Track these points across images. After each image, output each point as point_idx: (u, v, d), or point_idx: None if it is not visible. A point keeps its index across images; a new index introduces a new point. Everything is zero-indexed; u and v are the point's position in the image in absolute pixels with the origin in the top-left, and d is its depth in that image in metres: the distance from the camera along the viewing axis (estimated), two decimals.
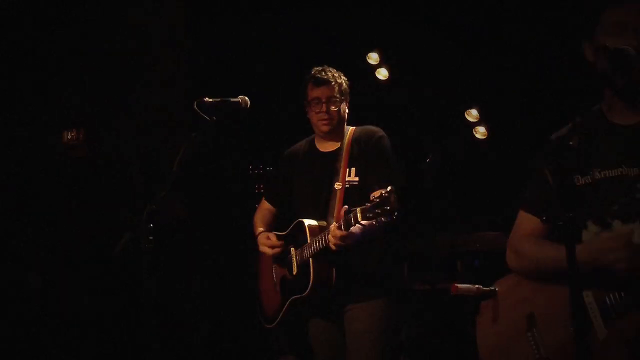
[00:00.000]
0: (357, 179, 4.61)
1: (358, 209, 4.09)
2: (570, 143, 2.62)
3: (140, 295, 4.03)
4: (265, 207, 5.12)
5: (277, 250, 4.82)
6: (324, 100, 4.71)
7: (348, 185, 4.59)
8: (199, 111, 4.11)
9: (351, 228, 4.20)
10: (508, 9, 6.42)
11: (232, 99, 4.29)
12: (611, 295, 2.93)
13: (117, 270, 6.28)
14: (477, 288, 3.49)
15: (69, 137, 6.81)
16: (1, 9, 6.66)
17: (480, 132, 7.14)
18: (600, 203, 3.02)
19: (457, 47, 6.75)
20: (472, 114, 7.14)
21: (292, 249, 4.72)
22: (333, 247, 4.30)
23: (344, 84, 4.79)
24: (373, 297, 4.52)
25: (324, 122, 4.72)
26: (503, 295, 3.37)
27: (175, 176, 4.03)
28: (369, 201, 4.07)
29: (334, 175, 4.66)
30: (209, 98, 4.18)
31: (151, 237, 3.87)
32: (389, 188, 4.01)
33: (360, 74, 7.31)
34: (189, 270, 6.62)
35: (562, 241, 2.75)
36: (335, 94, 4.72)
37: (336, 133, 4.77)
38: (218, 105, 4.18)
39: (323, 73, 4.76)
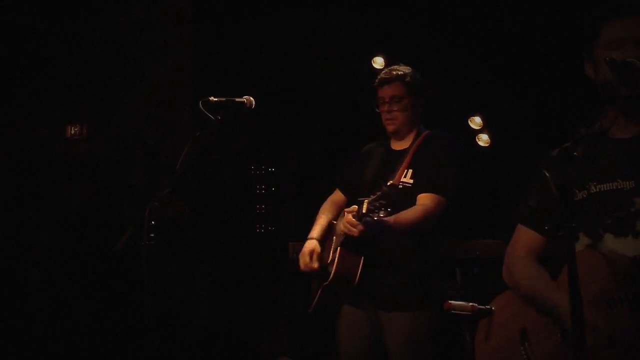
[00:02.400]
0: (411, 181, 4.54)
1: (365, 201, 4.11)
2: (575, 154, 2.63)
3: (139, 292, 4.04)
4: (334, 199, 5.03)
5: (307, 269, 4.73)
6: (387, 100, 4.68)
7: (401, 186, 4.49)
8: (204, 110, 4.12)
9: (362, 218, 4.20)
10: (513, 17, 6.42)
11: (237, 99, 4.31)
12: None
13: (117, 267, 6.29)
14: (472, 306, 3.48)
15: (73, 131, 6.82)
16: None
17: (483, 139, 7.14)
18: (594, 216, 3.03)
19: (462, 54, 6.75)
20: (476, 121, 7.13)
21: (334, 237, 4.70)
22: (342, 231, 4.32)
23: (413, 82, 4.73)
24: (413, 308, 4.47)
25: (388, 122, 4.69)
26: (499, 311, 3.38)
27: (179, 174, 4.04)
28: (374, 194, 4.09)
29: (392, 174, 4.59)
30: (215, 97, 4.20)
31: (152, 234, 3.89)
32: (389, 183, 4.03)
33: (365, 77, 7.34)
34: (189, 268, 6.62)
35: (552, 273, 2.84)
36: (398, 93, 4.67)
37: (405, 133, 4.73)
38: (223, 105, 4.20)
39: (389, 72, 4.74)
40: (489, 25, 6.54)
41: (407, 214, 4.34)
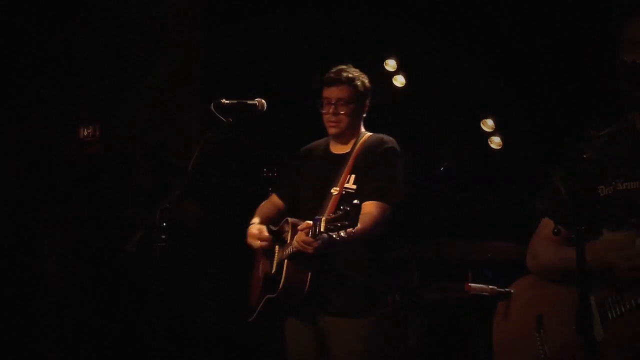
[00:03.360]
0: (354, 186, 4.47)
1: (323, 219, 3.99)
2: (585, 156, 2.63)
3: (149, 292, 4.05)
4: (271, 201, 4.96)
5: (264, 244, 4.67)
6: (333, 101, 4.57)
7: (344, 192, 4.45)
8: (215, 112, 4.13)
9: (317, 237, 4.09)
10: (526, 20, 6.41)
11: (249, 102, 4.31)
12: (610, 299, 2.97)
13: (128, 267, 6.30)
14: (492, 288, 3.54)
15: (85, 133, 6.83)
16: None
17: (496, 142, 7.13)
18: (619, 213, 3.04)
19: (475, 57, 6.74)
20: (488, 124, 7.12)
21: (277, 246, 4.61)
22: (296, 247, 4.22)
23: (361, 85, 4.62)
24: (359, 315, 4.39)
25: (331, 124, 4.59)
26: (517, 295, 3.43)
27: (190, 176, 4.05)
28: (334, 212, 4.00)
29: (335, 180, 4.54)
30: (226, 100, 4.20)
31: (164, 236, 3.89)
32: (354, 202, 3.90)
33: (378, 80, 7.34)
34: (199, 270, 6.63)
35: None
36: (345, 96, 4.56)
37: (347, 136, 4.64)
38: (235, 107, 4.20)
39: (337, 73, 4.61)
40: (501, 28, 6.53)
41: (357, 226, 4.09)
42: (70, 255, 6.69)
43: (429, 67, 7.13)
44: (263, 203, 4.98)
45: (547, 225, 3.34)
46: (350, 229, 3.88)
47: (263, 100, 4.36)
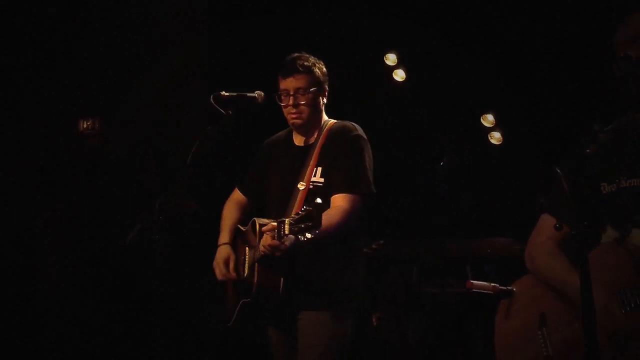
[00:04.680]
0: (322, 180, 4.31)
1: (287, 221, 3.82)
2: (587, 151, 2.61)
3: (150, 289, 4.03)
4: (236, 198, 4.77)
5: (224, 279, 4.53)
6: (291, 92, 4.35)
7: (312, 186, 4.30)
8: (214, 105, 4.10)
9: (282, 239, 3.92)
10: (527, 15, 6.40)
11: (248, 94, 4.28)
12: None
13: (128, 263, 6.28)
14: (493, 286, 3.52)
15: (85, 126, 6.81)
16: None
17: (496, 137, 7.11)
18: (623, 210, 3.04)
19: (475, 52, 6.73)
20: (488, 119, 7.11)
21: (247, 248, 4.45)
22: (261, 250, 4.06)
23: (318, 72, 4.41)
24: (326, 309, 4.26)
25: (293, 116, 4.38)
26: (520, 293, 3.43)
27: (188, 170, 4.02)
28: (297, 214, 3.82)
29: (300, 174, 4.37)
30: (226, 92, 4.17)
31: (161, 229, 3.87)
32: (317, 201, 3.74)
33: (378, 74, 7.33)
34: (197, 264, 6.61)
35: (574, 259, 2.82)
36: (304, 85, 4.36)
37: (309, 127, 4.44)
38: (234, 100, 4.17)
39: (292, 62, 4.40)
40: (503, 24, 6.51)
41: (326, 222, 3.86)
42: (70, 251, 6.66)
43: (429, 62, 7.12)
44: (227, 204, 4.78)
45: (546, 222, 3.34)
46: (315, 230, 3.73)
47: (262, 93, 4.32)
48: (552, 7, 6.24)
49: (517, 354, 3.34)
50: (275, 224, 3.94)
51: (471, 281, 3.60)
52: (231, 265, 4.50)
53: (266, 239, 4.01)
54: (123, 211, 6.58)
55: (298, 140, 4.55)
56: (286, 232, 3.83)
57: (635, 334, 2.84)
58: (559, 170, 2.83)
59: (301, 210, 3.79)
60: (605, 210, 3.08)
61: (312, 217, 3.72)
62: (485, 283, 3.57)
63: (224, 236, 4.65)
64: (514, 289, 3.44)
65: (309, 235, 3.74)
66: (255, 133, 5.09)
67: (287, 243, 3.97)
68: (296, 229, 3.77)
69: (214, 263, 4.57)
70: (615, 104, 2.98)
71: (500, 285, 3.52)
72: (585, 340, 2.52)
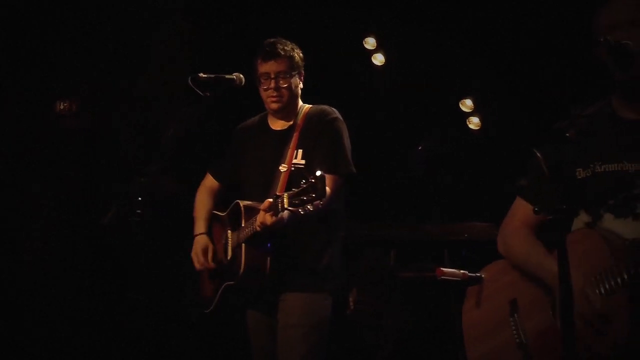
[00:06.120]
0: (303, 161, 4.37)
1: (285, 195, 3.89)
2: (567, 135, 2.62)
3: (126, 268, 4.03)
4: (209, 185, 4.82)
5: (204, 269, 4.59)
6: (272, 75, 4.41)
7: (294, 169, 4.35)
8: (193, 87, 4.09)
9: (280, 214, 3.99)
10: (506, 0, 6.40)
11: (227, 76, 4.28)
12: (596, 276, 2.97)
13: (105, 242, 6.26)
14: (463, 273, 3.53)
15: (62, 107, 6.76)
16: None
17: (474, 122, 7.13)
18: (596, 195, 3.06)
19: (454, 36, 6.73)
20: (467, 104, 7.12)
21: (229, 231, 4.49)
22: (258, 228, 4.08)
23: (297, 57, 4.49)
24: (307, 290, 4.32)
25: (273, 99, 4.43)
26: (489, 280, 3.43)
27: (166, 151, 4.01)
28: (296, 186, 3.88)
29: (281, 156, 4.43)
30: (204, 74, 4.16)
31: (139, 211, 3.86)
32: (318, 173, 3.79)
33: (357, 58, 7.31)
34: (177, 247, 6.58)
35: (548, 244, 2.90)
36: (284, 69, 4.42)
37: (288, 111, 4.51)
38: (212, 82, 4.16)
39: (273, 46, 4.45)
40: (481, 8, 6.51)
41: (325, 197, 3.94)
42: (50, 234, 6.63)
43: (408, 46, 7.11)
44: (200, 191, 4.83)
45: (519, 207, 3.35)
46: (318, 202, 3.80)
47: (241, 75, 4.34)
48: None
49: (487, 341, 3.33)
50: (271, 200, 3.99)
51: (441, 268, 3.61)
52: (209, 254, 4.58)
53: (263, 216, 4.03)
54: (101, 192, 6.55)
55: (275, 124, 4.60)
56: (285, 205, 3.89)
57: (611, 318, 2.85)
58: (538, 154, 2.84)
59: (302, 183, 3.84)
60: (580, 196, 3.09)
61: (315, 188, 3.78)
62: (454, 270, 3.58)
63: (200, 226, 4.70)
64: (483, 276, 3.44)
65: (310, 208, 3.82)
66: (232, 115, 5.08)
67: (285, 217, 4.05)
68: (297, 201, 3.84)
69: (192, 254, 4.63)
70: (594, 88, 2.99)
71: (471, 271, 3.51)
72: (561, 326, 2.52)
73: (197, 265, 4.60)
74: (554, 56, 6.14)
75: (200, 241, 4.63)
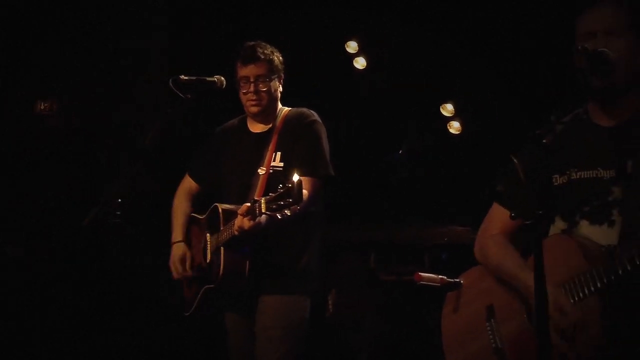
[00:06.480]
0: (282, 164, 4.40)
1: (263, 199, 3.89)
2: (544, 141, 2.64)
3: (106, 268, 4.02)
4: (187, 187, 4.82)
5: (182, 278, 4.60)
6: (252, 79, 4.42)
7: (272, 171, 4.38)
8: (174, 88, 4.10)
9: (257, 218, 3.99)
10: (488, 5, 6.42)
11: (208, 78, 4.29)
12: (568, 284, 2.99)
13: (85, 243, 6.25)
14: (441, 279, 3.55)
15: (42, 107, 6.74)
16: None
17: (455, 127, 7.15)
18: (572, 202, 3.08)
19: (436, 41, 6.75)
20: (448, 109, 7.14)
21: (208, 234, 4.50)
22: (236, 232, 4.10)
23: (277, 61, 4.49)
24: (286, 292, 4.35)
25: (252, 102, 4.44)
26: (467, 286, 3.45)
27: (146, 152, 4.01)
28: (274, 191, 3.88)
29: (260, 159, 4.45)
30: (185, 76, 4.17)
31: (119, 212, 3.86)
32: (295, 178, 3.80)
33: (338, 61, 7.32)
34: (157, 247, 6.56)
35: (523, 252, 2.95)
36: (264, 73, 4.43)
37: (267, 114, 4.52)
38: (193, 84, 4.17)
39: (252, 50, 4.46)
40: (463, 12, 6.53)
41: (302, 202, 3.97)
42: (32, 236, 6.60)
43: (390, 50, 7.13)
44: (178, 193, 4.83)
45: (497, 213, 3.37)
46: (295, 206, 3.81)
47: (222, 78, 4.35)
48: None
49: (465, 346, 3.35)
50: (248, 204, 4.00)
51: (419, 273, 3.63)
52: (187, 262, 4.59)
53: (241, 220, 4.04)
54: (81, 193, 6.53)
55: (254, 127, 4.62)
56: (263, 210, 3.88)
57: (586, 325, 2.86)
58: (515, 160, 2.86)
59: (280, 188, 3.84)
60: (556, 202, 3.11)
61: (292, 193, 3.79)
62: (433, 275, 3.60)
63: (177, 234, 4.71)
64: (462, 281, 3.47)
65: (288, 212, 3.82)
66: (212, 118, 5.09)
67: (262, 222, 4.05)
68: (274, 206, 3.84)
69: (170, 262, 4.64)
70: (573, 95, 3.01)
71: (450, 276, 3.54)
72: (537, 334, 2.54)
73: (175, 275, 4.62)
74: (535, 61, 6.17)
75: (178, 250, 4.64)
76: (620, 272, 2.79)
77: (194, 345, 6.48)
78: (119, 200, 3.84)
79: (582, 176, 3.08)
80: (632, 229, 2.94)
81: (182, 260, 4.59)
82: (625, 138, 3.04)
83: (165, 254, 4.74)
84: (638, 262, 2.76)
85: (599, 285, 2.84)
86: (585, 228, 3.03)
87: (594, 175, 3.05)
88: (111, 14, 6.91)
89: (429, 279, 3.59)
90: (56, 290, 6.49)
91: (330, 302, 6.27)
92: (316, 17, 6.92)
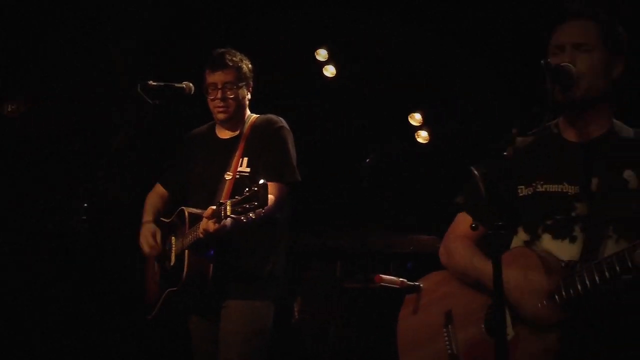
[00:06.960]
0: (248, 169, 4.43)
1: (228, 202, 3.93)
2: (505, 154, 2.67)
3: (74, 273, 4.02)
4: (157, 192, 4.86)
5: (152, 252, 4.60)
6: (219, 86, 4.46)
7: (239, 176, 4.41)
8: (142, 94, 4.10)
9: (222, 221, 4.02)
10: (458, 14, 6.45)
11: (176, 84, 4.32)
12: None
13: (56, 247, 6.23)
14: (401, 281, 3.57)
15: (10, 109, 6.71)
16: None
17: (422, 136, 7.19)
18: (536, 214, 3.10)
19: (405, 50, 6.78)
20: (416, 118, 7.18)
21: (173, 238, 4.53)
22: (201, 235, 4.12)
23: (245, 68, 4.54)
24: (250, 297, 4.37)
25: (220, 109, 4.48)
26: (427, 290, 3.47)
27: (113, 157, 4.02)
28: (240, 194, 3.92)
29: (227, 165, 4.48)
30: (153, 81, 4.18)
31: (84, 217, 3.86)
32: (261, 182, 3.85)
33: (308, 69, 7.34)
34: (125, 253, 6.55)
35: (488, 254, 2.92)
36: (232, 80, 4.47)
37: (235, 121, 4.56)
38: (162, 89, 4.18)
39: (221, 57, 4.50)
40: (432, 21, 6.57)
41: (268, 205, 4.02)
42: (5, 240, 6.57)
43: (360, 59, 7.15)
44: (149, 195, 4.86)
45: (462, 220, 3.40)
46: (260, 210, 3.85)
47: (191, 84, 4.38)
48: (485, 9, 6.30)
49: (420, 350, 3.37)
50: (214, 207, 4.02)
51: (380, 275, 3.65)
52: (158, 237, 4.59)
53: (207, 223, 4.06)
54: (48, 197, 6.50)
55: (222, 133, 4.65)
56: (228, 213, 3.92)
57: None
58: (475, 171, 2.89)
59: (246, 191, 3.88)
60: (520, 213, 3.14)
61: (257, 196, 3.83)
62: (393, 278, 3.62)
63: (148, 215, 4.74)
64: (421, 285, 3.49)
65: (252, 215, 3.86)
66: (181, 123, 5.10)
67: (228, 224, 4.08)
68: (239, 209, 3.88)
69: (141, 238, 4.64)
70: (541, 108, 3.04)
71: (409, 280, 3.56)
72: (495, 340, 2.57)
73: (146, 249, 4.60)
74: (505, 71, 6.20)
75: (148, 227, 4.66)
76: (579, 288, 2.83)
77: (157, 349, 6.48)
78: (84, 205, 3.84)
79: (548, 189, 3.10)
80: (593, 245, 2.96)
81: (153, 235, 4.60)
82: (593, 155, 3.07)
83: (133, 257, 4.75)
84: (598, 282, 2.78)
85: (557, 299, 2.87)
86: (548, 242, 3.05)
87: (560, 190, 3.07)
88: (83, 18, 6.89)
89: (390, 281, 3.61)
90: (46, 291, 6.48)
91: (296, 309, 6.29)
92: (287, 25, 6.94)
